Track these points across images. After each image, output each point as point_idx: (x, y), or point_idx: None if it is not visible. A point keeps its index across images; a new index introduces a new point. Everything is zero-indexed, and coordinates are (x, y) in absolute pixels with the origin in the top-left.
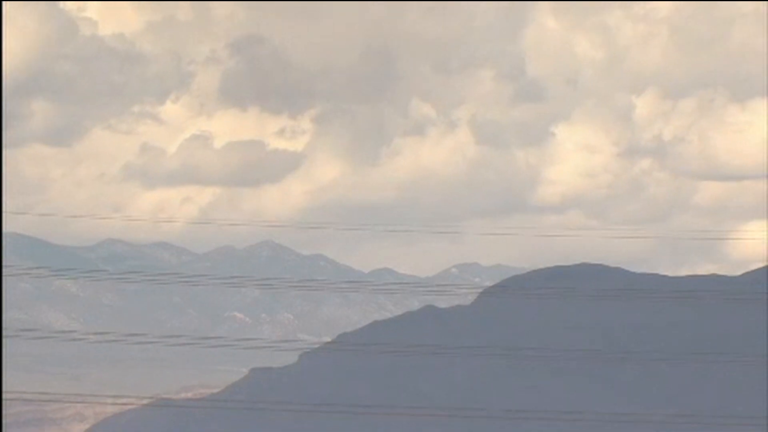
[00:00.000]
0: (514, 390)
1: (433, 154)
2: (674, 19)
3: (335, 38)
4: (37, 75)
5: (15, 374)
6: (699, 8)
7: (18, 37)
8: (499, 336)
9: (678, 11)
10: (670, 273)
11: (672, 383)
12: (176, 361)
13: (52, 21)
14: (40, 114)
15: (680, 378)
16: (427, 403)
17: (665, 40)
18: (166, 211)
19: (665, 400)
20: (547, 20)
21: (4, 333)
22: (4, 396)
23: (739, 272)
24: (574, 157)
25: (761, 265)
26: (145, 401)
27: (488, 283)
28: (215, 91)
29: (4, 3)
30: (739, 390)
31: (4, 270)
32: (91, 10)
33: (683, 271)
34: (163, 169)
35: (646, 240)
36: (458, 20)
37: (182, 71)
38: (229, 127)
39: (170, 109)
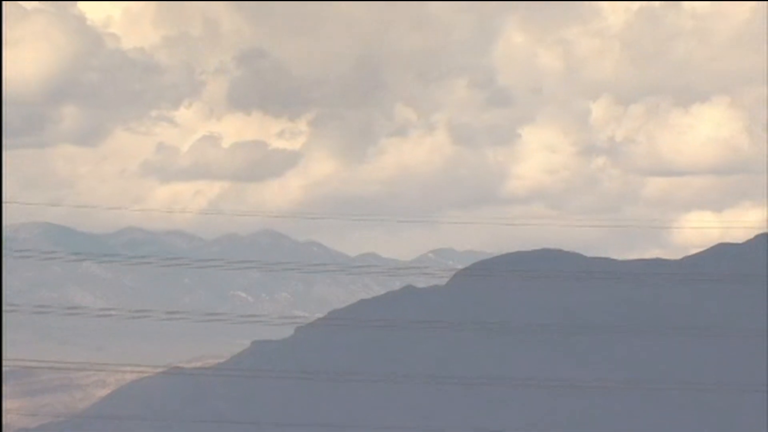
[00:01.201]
0: (483, 359)
1: (414, 152)
2: (625, 34)
3: (329, 52)
4: (67, 83)
5: (48, 346)
6: (646, 25)
7: (50, 49)
8: (471, 312)
9: (628, 28)
10: (620, 257)
11: (621, 353)
12: (187, 335)
13: (80, 36)
14: (70, 118)
15: (629, 348)
16: (406, 371)
17: (617, 53)
18: (179, 203)
19: (615, 367)
20: (514, 36)
21: (39, 309)
22: (33, 365)
23: (680, 256)
24: (538, 155)
25: (700, 249)
26: (159, 370)
27: (461, 266)
28: (223, 98)
29: (38, 20)
30: (681, 358)
31: (38, 254)
32: (115, 26)
33: (632, 256)
34: (177, 165)
35: (600, 228)
36: (437, 36)
37: (194, 80)
38: (235, 129)
39: (183, 114)
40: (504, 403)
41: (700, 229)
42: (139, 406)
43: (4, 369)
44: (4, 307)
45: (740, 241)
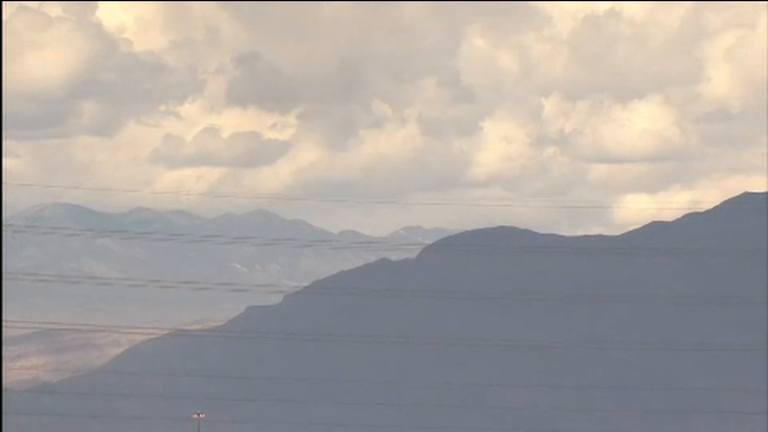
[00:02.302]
0: (449, 323)
1: (389, 143)
2: (573, 40)
3: (315, 55)
4: (87, 82)
5: (69, 310)
6: (591, 32)
7: (72, 53)
8: (437, 282)
9: (575, 34)
10: (567, 234)
11: (568, 317)
12: (190, 301)
13: (97, 40)
14: (89, 112)
15: (574, 313)
16: (380, 332)
17: (566, 56)
18: (183, 186)
19: (562, 329)
20: (477, 41)
21: (61, 279)
22: (56, 327)
23: (619, 233)
24: (497, 145)
25: (636, 227)
26: (165, 331)
27: (429, 242)
28: (222, 95)
29: (61, 26)
30: (620, 322)
31: (61, 230)
32: (128, 31)
33: (578, 232)
34: (181, 154)
35: (550, 208)
36: (410, 41)
37: (197, 79)
38: (233, 122)
39: (188, 109)
40: (466, 360)
41: (636, 209)
42: (148, 363)
43: (31, 330)
44: (6, 277)
45: (670, 220)
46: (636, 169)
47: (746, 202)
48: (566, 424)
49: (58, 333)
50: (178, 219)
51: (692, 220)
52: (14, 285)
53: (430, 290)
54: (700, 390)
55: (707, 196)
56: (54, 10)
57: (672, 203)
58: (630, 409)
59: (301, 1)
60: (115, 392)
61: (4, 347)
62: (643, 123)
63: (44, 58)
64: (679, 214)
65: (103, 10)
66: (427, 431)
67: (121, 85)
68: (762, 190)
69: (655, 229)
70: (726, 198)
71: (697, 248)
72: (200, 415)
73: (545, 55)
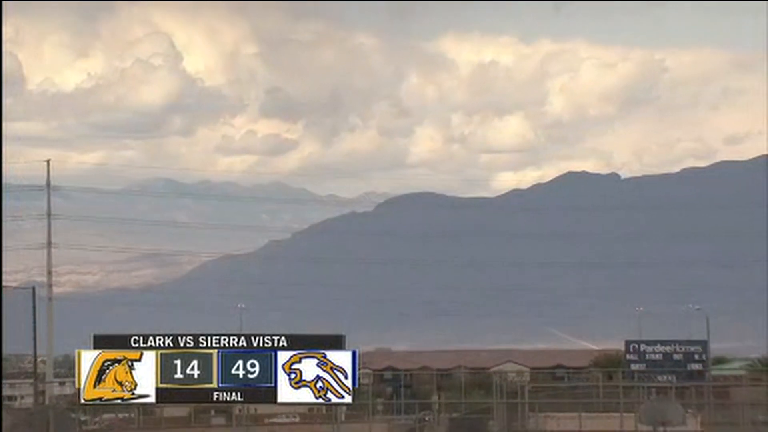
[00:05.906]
0: (392, 250)
1: (358, 141)
2: (470, 78)
3: (314, 88)
4: (176, 104)
5: (163, 241)
6: (482, 73)
7: (167, 86)
8: (386, 225)
9: (472, 75)
10: (465, 196)
11: (463, 247)
12: (234, 237)
13: (183, 79)
14: (177, 122)
15: (467, 244)
16: (352, 257)
17: (466, 88)
18: (232, 168)
19: (460, 254)
20: (412, 79)
21: (156, 224)
22: (152, 252)
23: (495, 195)
24: (424, 142)
25: (505, 192)
26: (220, 255)
27: (381, 201)
28: (257, 112)
29: (160, 70)
30: (493, 249)
31: (159, 195)
32: (201, 74)
33: (471, 195)
34: (232, 147)
35: (449, 179)
36: (372, 80)
37: (243, 104)
38: (263, 128)
39: (237, 120)
40: (405, 274)
41: (505, 181)
42: (210, 274)
43: (141, 253)
44: (129, 222)
45: (525, 188)
46: (506, 157)
47: (570, 178)
48: (463, 312)
49: (157, 255)
50: (228, 188)
51: (537, 188)
52: (133, 226)
53: (382, 231)
54: (539, 291)
55: (547, 174)
56: (157, 61)
57: (526, 178)
58: (495, 307)
59: (304, 54)
60: (189, 292)
61: (131, 260)
62: (512, 129)
63: (151, 89)
64: (530, 184)
65: (186, 61)
66: (383, 319)
67: (196, 106)
68: (580, 170)
69: (516, 193)
70: (558, 174)
71: (539, 205)
72: (241, 306)
73: (453, 87)
